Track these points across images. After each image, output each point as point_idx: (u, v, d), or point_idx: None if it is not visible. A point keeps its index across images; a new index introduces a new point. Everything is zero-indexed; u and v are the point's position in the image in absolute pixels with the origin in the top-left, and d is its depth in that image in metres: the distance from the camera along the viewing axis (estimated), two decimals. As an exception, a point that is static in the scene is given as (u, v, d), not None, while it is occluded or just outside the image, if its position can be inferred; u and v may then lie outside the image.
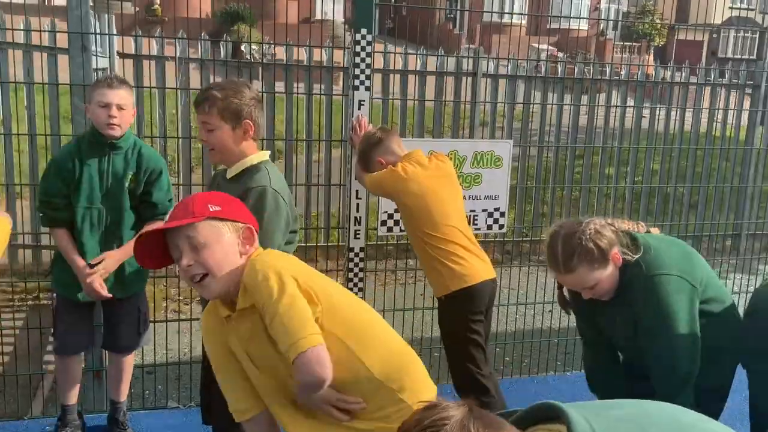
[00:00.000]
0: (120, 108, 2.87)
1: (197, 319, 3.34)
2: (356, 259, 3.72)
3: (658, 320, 2.22)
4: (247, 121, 2.52)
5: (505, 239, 6.37)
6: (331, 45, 5.33)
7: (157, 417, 3.58)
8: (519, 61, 6.17)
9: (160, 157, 3.15)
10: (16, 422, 3.42)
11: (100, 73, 4.83)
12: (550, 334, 4.55)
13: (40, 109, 4.82)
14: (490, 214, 3.97)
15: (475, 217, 3.96)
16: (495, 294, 3.23)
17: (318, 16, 24.82)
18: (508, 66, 6.20)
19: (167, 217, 1.84)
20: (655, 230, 2.56)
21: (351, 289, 3.73)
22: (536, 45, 23.06)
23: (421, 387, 1.91)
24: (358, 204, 3.66)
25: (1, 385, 3.66)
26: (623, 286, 2.27)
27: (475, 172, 3.91)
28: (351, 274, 3.72)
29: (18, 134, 5.11)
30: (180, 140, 5.50)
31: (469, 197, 3.91)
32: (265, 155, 2.59)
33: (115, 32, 5.08)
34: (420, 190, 3.08)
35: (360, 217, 3.67)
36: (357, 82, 3.55)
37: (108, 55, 4.88)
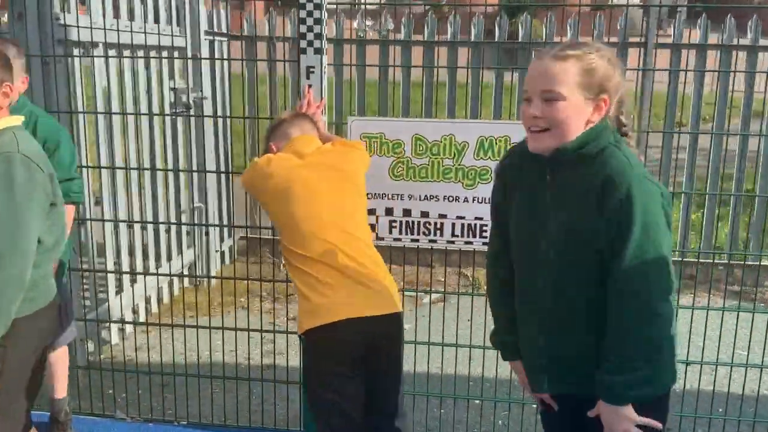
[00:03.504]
0: None
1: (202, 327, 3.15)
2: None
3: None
4: (7, 83, 2.10)
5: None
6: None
7: (103, 426, 3.23)
8: None
9: (61, 127, 2.77)
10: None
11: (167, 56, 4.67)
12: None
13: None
14: (506, 225, 2.82)
15: (483, 227, 2.85)
16: (388, 338, 2.21)
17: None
18: None
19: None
20: None
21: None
22: None
23: None
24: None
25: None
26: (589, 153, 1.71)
27: (481, 165, 2.81)
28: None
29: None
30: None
31: (473, 199, 2.83)
32: (17, 120, 2.11)
33: (202, 11, 4.89)
34: (281, 188, 2.22)
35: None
36: (304, 44, 2.75)
37: (183, 34, 4.70)
